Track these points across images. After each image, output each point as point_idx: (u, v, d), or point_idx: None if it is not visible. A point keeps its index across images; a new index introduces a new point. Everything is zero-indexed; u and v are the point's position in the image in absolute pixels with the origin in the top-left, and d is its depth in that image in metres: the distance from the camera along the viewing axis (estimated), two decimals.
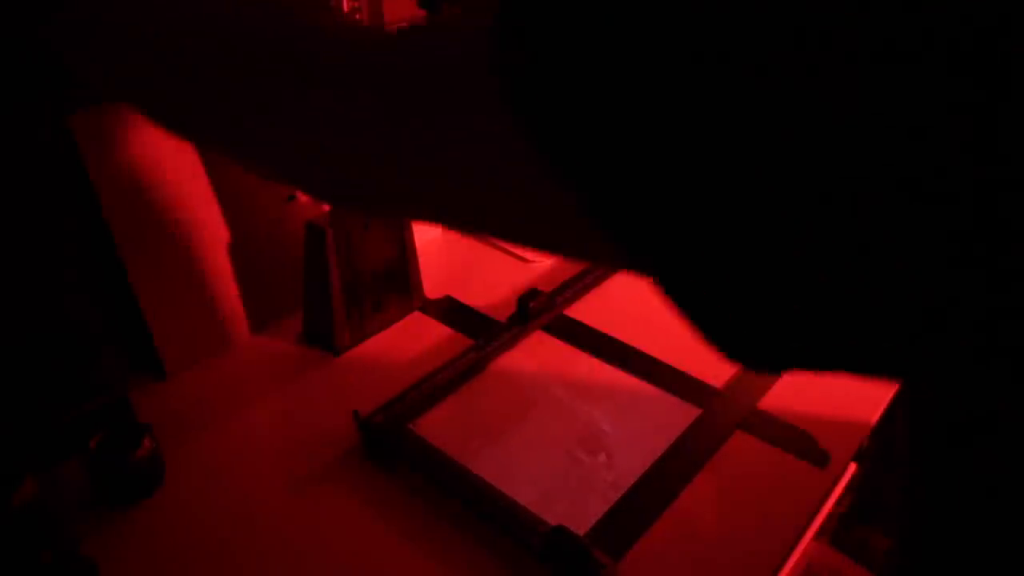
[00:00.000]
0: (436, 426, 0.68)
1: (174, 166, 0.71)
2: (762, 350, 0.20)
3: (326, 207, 0.75)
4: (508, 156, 0.22)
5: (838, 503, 0.67)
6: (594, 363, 0.76)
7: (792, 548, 0.58)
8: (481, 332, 0.79)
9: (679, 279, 0.20)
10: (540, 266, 0.92)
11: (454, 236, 0.99)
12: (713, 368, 0.72)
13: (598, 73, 0.19)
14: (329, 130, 0.27)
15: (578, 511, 0.58)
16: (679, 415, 0.68)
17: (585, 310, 0.83)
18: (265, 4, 0.31)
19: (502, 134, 0.21)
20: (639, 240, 0.20)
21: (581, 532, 0.56)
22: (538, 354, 0.78)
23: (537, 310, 0.80)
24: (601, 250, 0.22)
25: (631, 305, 0.83)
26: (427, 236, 0.96)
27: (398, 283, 0.82)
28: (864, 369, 0.20)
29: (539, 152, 0.21)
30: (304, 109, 0.28)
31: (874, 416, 0.68)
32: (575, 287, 0.85)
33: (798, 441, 0.66)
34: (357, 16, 0.64)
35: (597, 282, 0.87)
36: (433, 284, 0.86)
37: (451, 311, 0.85)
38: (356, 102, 0.26)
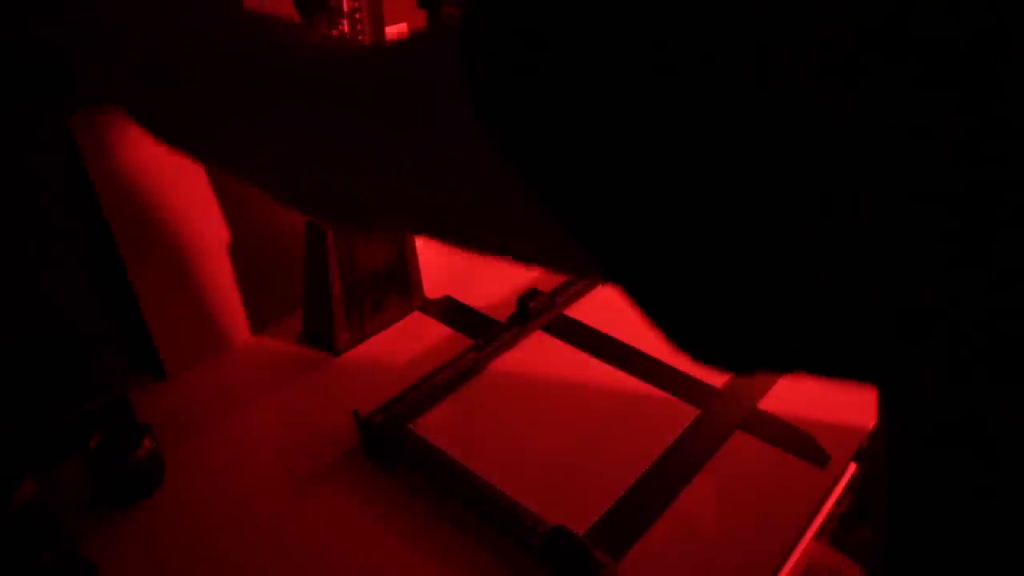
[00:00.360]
0: (436, 426, 0.68)
1: (174, 166, 0.71)
2: (753, 352, 0.20)
3: None
4: (483, 168, 0.22)
5: (838, 503, 0.67)
6: (594, 363, 0.76)
7: (792, 548, 0.58)
8: (481, 332, 0.79)
9: (658, 286, 0.20)
10: None
11: None
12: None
13: (562, 81, 0.19)
14: (323, 141, 0.28)
15: (578, 511, 0.58)
16: (679, 415, 0.68)
17: (585, 310, 0.83)
18: (261, 15, 0.32)
19: (476, 147, 0.21)
20: (614, 249, 0.20)
21: (581, 532, 0.56)
22: (538, 354, 0.78)
23: (537, 310, 0.80)
24: (580, 263, 0.22)
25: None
26: None
27: (398, 283, 0.82)
28: (860, 370, 0.20)
29: (510, 165, 0.21)
30: (297, 118, 0.28)
31: (874, 416, 0.68)
32: (575, 287, 0.85)
33: (798, 441, 0.66)
34: (357, 16, 0.64)
35: (597, 282, 0.87)
36: (433, 284, 0.86)
37: (451, 311, 0.85)
38: (344, 116, 0.27)
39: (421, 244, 0.82)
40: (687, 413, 0.69)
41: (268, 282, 0.81)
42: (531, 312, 0.80)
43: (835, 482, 0.63)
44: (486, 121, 0.21)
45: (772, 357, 0.21)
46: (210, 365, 0.76)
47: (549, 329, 0.81)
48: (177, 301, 0.73)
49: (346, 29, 0.64)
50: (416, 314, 0.84)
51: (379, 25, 0.67)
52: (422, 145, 0.24)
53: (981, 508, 0.21)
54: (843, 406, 0.69)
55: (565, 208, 0.20)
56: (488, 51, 0.20)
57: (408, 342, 0.80)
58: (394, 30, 0.85)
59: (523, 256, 0.26)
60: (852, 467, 0.65)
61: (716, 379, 0.72)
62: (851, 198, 0.16)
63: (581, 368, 0.76)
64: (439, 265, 0.91)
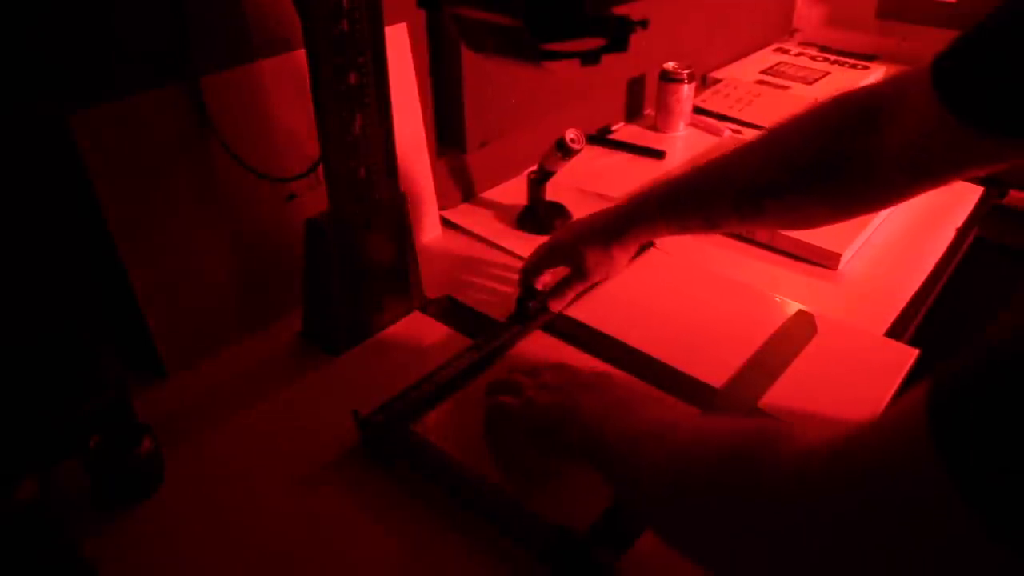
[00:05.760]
0: (436, 426, 0.68)
1: (174, 166, 0.71)
2: None
3: (326, 205, 0.75)
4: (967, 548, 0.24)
5: None
6: (594, 363, 0.76)
7: None
8: (481, 332, 0.79)
9: None
10: None
11: (454, 236, 0.99)
12: (713, 368, 0.72)
13: None
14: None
15: (578, 511, 0.58)
16: None
17: (585, 310, 0.83)
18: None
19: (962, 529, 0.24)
20: None
21: (581, 532, 0.56)
22: (538, 354, 0.78)
23: (537, 310, 0.80)
24: None
25: (631, 305, 0.83)
26: (427, 236, 0.96)
27: (398, 283, 0.82)
28: None
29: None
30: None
31: (873, 416, 0.68)
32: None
33: None
34: (356, 15, 0.63)
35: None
36: (433, 284, 0.86)
37: (451, 311, 0.85)
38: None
39: (421, 244, 0.82)
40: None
41: (268, 282, 0.81)
42: (531, 312, 0.80)
43: None
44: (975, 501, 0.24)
45: None
46: (210, 365, 0.76)
47: (549, 329, 0.81)
48: (176, 301, 0.73)
49: (346, 28, 0.64)
50: (416, 314, 0.84)
51: (379, 25, 0.67)
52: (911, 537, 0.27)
53: None
54: (843, 406, 0.69)
55: None
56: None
57: (408, 342, 0.80)
58: (394, 30, 0.85)
59: None
60: None
61: (716, 379, 0.72)
62: None
63: (581, 368, 0.76)
64: (439, 265, 0.91)
